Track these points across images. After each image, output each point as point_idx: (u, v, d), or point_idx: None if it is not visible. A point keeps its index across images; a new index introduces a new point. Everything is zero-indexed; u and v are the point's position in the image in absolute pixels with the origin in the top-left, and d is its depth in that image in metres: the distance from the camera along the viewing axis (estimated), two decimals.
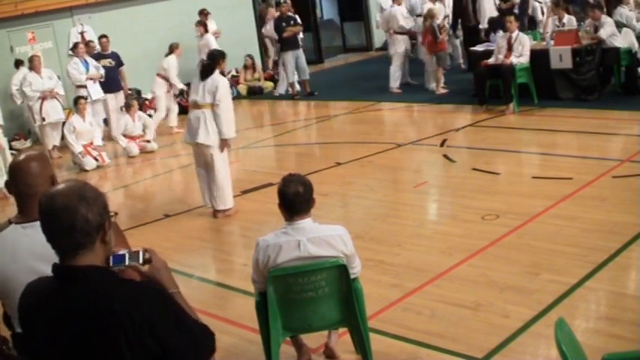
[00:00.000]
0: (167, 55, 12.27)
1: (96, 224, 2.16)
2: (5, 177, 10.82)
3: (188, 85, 14.16)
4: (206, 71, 7.18)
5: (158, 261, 2.32)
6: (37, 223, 2.21)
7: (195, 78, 7.30)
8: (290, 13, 13.98)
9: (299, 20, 14.04)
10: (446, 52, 12.73)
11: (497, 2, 13.14)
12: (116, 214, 2.31)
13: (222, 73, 7.61)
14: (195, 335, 2.21)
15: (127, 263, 2.26)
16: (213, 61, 7.25)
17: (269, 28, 14.59)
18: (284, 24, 13.65)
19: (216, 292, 5.71)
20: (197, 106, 7.22)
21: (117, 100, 12.19)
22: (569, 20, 11.68)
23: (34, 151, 3.18)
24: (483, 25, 12.92)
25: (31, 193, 2.83)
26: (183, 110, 13.85)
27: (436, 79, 12.50)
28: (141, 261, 2.28)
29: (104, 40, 12.41)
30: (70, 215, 2.12)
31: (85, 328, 2.11)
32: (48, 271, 2.21)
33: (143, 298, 2.14)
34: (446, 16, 13.46)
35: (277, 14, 14.01)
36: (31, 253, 2.77)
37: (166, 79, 12.23)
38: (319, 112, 12.69)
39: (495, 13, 12.85)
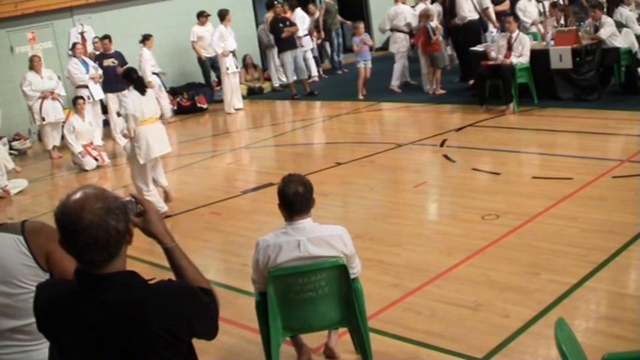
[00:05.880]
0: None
1: (124, 231, 2.16)
2: (5, 177, 10.73)
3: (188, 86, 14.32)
4: (143, 86, 7.61)
5: (152, 212, 2.33)
6: None
7: (133, 95, 7.46)
8: (284, 15, 14.01)
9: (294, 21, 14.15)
10: (441, 52, 12.55)
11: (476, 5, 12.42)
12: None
13: None
14: (211, 310, 2.32)
15: None
16: (140, 77, 7.67)
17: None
18: (280, 25, 13.66)
19: (216, 292, 5.69)
20: (154, 120, 7.66)
21: (119, 100, 12.18)
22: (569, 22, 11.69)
23: None
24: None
25: None
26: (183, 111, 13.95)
27: (429, 80, 12.48)
28: (137, 211, 2.28)
29: (106, 40, 12.42)
30: (104, 231, 2.10)
31: (121, 334, 2.12)
32: None
33: (177, 299, 2.20)
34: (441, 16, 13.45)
35: (272, 15, 13.98)
36: None
37: None
38: (319, 112, 12.69)
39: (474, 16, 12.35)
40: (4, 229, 2.87)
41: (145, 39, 12.76)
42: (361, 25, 12.84)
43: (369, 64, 12.69)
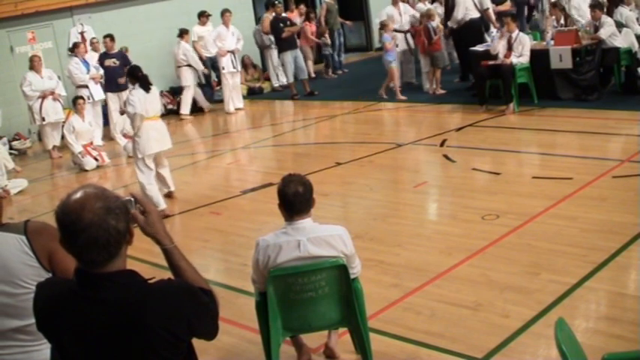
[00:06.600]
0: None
1: (124, 231, 2.16)
2: (5, 176, 10.72)
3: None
4: (148, 84, 7.66)
5: (152, 213, 2.32)
6: None
7: (139, 93, 7.56)
8: (284, 14, 14.02)
9: (294, 21, 14.17)
10: (441, 52, 12.49)
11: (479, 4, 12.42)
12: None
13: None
14: (211, 310, 2.31)
15: None
16: (144, 75, 7.71)
17: None
18: (281, 24, 13.66)
19: (216, 292, 5.69)
20: (156, 117, 7.81)
21: (119, 99, 12.16)
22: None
23: None
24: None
25: None
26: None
27: (430, 79, 12.45)
28: (133, 210, 2.26)
29: (107, 39, 12.40)
30: (104, 231, 2.10)
31: (121, 334, 2.13)
32: None
33: (177, 298, 2.20)
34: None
35: (273, 15, 13.98)
36: None
37: None
38: (319, 112, 12.69)
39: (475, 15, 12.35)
40: (6, 229, 2.86)
41: (184, 33, 13.18)
42: (391, 23, 12.75)
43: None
